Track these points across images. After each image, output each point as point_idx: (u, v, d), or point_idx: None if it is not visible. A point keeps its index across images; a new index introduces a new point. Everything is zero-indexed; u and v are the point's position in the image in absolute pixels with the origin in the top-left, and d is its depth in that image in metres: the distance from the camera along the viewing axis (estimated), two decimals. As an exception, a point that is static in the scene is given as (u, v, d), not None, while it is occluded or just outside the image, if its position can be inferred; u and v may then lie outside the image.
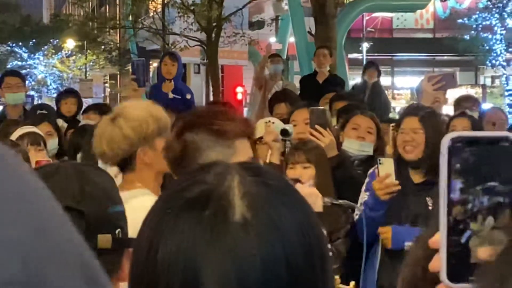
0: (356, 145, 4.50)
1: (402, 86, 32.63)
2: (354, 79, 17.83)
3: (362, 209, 3.86)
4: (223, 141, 2.34)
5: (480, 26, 23.47)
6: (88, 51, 30.45)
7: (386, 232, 3.81)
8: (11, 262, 0.46)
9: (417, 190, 3.85)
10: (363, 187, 3.99)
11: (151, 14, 20.89)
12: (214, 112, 2.50)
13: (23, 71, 29.99)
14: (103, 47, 27.59)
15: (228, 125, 2.39)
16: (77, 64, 32.21)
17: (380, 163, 3.80)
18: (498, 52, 23.17)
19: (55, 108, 7.18)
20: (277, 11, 24.13)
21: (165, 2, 18.61)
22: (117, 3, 26.10)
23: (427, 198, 3.86)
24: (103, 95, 33.45)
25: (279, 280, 0.90)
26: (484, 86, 28.77)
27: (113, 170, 3.55)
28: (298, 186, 2.84)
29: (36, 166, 3.51)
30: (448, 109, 7.05)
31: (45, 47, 31.49)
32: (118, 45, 27.41)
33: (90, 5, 31.28)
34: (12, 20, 31.82)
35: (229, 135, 2.36)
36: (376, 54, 27.12)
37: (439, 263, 0.86)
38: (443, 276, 0.86)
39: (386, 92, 10.44)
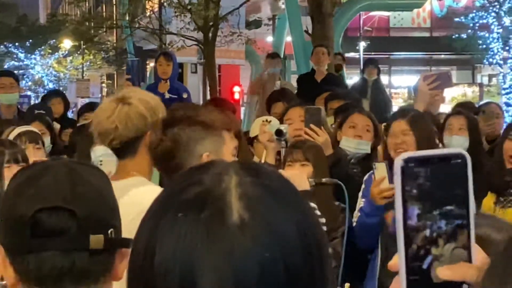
0: (354, 144, 4.50)
1: (399, 85, 32.65)
2: (351, 78, 17.83)
3: (358, 216, 3.87)
4: (211, 131, 2.38)
5: (477, 24, 23.47)
6: (85, 51, 30.42)
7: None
8: None
9: None
10: (360, 193, 3.99)
11: (148, 13, 20.86)
12: (195, 106, 2.56)
13: (20, 71, 30.02)
14: (100, 47, 27.57)
15: (214, 116, 2.43)
16: (74, 64, 32.18)
17: (375, 168, 3.81)
18: (495, 51, 23.17)
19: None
20: (274, 10, 24.13)
21: (162, 1, 18.58)
22: (114, 3, 26.06)
23: None
24: (100, 95, 33.41)
25: (277, 282, 0.90)
26: (481, 85, 28.79)
27: (110, 163, 3.61)
28: (282, 171, 2.90)
29: (31, 164, 3.51)
30: (445, 108, 7.05)
31: (42, 47, 31.45)
32: (115, 45, 27.39)
33: (87, 5, 31.22)
34: (8, 20, 31.79)
35: (217, 125, 2.41)
36: (373, 53, 27.11)
37: (399, 286, 0.85)
38: None
39: (384, 90, 10.41)
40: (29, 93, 28.46)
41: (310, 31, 13.89)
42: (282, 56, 16.43)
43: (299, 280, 0.91)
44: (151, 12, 20.15)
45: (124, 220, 1.60)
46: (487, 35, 23.27)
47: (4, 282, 1.61)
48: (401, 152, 3.91)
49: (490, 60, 23.50)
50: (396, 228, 0.85)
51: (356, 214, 3.90)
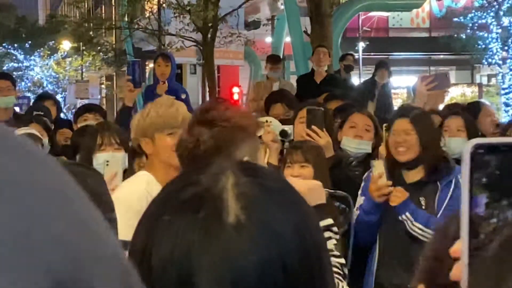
0: (354, 143, 4.50)
1: (398, 85, 32.59)
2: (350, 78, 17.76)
3: (357, 213, 3.88)
4: (249, 135, 2.29)
5: (476, 24, 23.47)
6: (84, 52, 30.42)
7: (401, 194, 3.79)
8: (61, 260, 0.44)
9: (410, 190, 3.85)
10: (359, 191, 3.99)
11: (147, 14, 20.87)
12: (228, 106, 2.43)
13: (19, 73, 30.03)
14: (99, 48, 27.55)
15: (249, 119, 2.35)
16: (73, 65, 32.17)
17: (373, 166, 3.83)
18: (494, 51, 23.16)
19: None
20: (273, 11, 24.13)
21: (161, 2, 18.59)
22: (113, 4, 26.08)
23: (420, 198, 3.88)
24: (99, 96, 33.42)
25: (275, 282, 0.89)
26: (480, 85, 28.79)
27: (116, 163, 3.72)
28: (299, 180, 2.80)
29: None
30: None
31: (41, 48, 31.44)
32: (114, 46, 27.38)
33: (86, 6, 31.22)
34: (7, 21, 31.77)
35: (252, 129, 2.32)
36: (372, 53, 27.12)
37: (459, 273, 0.84)
38: None
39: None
40: (28, 94, 28.49)
41: (309, 32, 13.89)
42: (281, 56, 16.43)
43: (297, 281, 0.91)
44: (150, 13, 20.15)
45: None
46: (486, 35, 23.27)
47: None
48: (401, 152, 3.95)
49: (489, 60, 23.50)
50: (461, 215, 0.84)
51: (355, 212, 3.91)
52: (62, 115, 8.91)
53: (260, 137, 4.23)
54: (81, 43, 28.39)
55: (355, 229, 3.81)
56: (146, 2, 20.12)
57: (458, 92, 26.26)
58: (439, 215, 3.79)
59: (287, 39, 18.95)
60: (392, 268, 3.83)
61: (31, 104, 11.57)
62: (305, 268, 0.91)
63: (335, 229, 2.67)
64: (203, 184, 0.94)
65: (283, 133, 4.21)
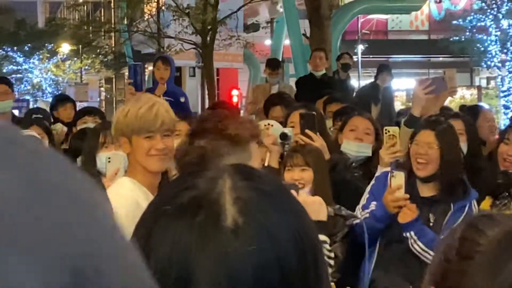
0: (354, 147, 4.50)
1: (397, 87, 32.63)
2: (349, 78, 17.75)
3: (364, 215, 3.85)
4: (239, 146, 2.35)
5: (475, 27, 23.48)
6: (83, 55, 30.41)
7: (412, 211, 3.76)
8: (80, 252, 0.46)
9: (422, 203, 3.82)
10: (368, 188, 3.97)
11: (146, 17, 20.88)
12: (225, 116, 2.50)
13: (18, 76, 30.01)
14: (98, 51, 27.56)
15: (243, 129, 2.39)
16: (73, 68, 32.16)
17: (392, 176, 3.79)
18: (493, 53, 23.17)
19: (51, 114, 7.18)
20: (272, 14, 24.15)
21: (160, 5, 18.60)
22: (112, 7, 26.08)
23: (430, 214, 3.83)
24: (98, 99, 33.42)
25: (272, 285, 0.90)
26: (479, 88, 28.83)
27: (117, 159, 3.72)
28: (302, 195, 2.81)
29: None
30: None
31: (40, 51, 31.43)
32: (113, 49, 27.39)
33: (85, 9, 31.24)
34: (6, 24, 31.74)
35: (244, 139, 2.37)
36: (371, 56, 27.14)
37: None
38: None
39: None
40: (27, 97, 28.48)
41: (308, 35, 13.90)
42: (280, 59, 16.44)
43: (294, 283, 0.91)
44: (149, 16, 20.16)
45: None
46: (485, 37, 23.28)
47: None
48: (422, 163, 3.92)
49: (488, 62, 23.50)
50: None
51: (360, 211, 3.89)
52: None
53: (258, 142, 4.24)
54: (80, 46, 28.39)
55: (359, 230, 3.80)
56: (145, 5, 20.13)
57: (457, 94, 26.26)
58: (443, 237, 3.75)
59: (286, 41, 18.95)
60: (389, 273, 3.82)
61: (30, 107, 11.57)
62: (301, 270, 0.92)
63: (327, 246, 2.74)
64: (200, 188, 0.95)
65: (284, 136, 4.21)
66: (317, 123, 4.32)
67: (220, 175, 0.96)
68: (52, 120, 7.01)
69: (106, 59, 28.10)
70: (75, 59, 31.64)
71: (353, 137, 4.51)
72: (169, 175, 3.47)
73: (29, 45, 31.25)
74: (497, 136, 5.56)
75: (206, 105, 17.21)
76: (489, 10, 22.99)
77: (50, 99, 31.44)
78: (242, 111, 15.85)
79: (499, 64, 23.41)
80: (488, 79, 30.34)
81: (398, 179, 3.77)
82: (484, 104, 18.84)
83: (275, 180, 1.01)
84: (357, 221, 3.80)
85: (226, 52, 17.92)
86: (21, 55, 31.51)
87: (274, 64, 9.18)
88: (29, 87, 32.12)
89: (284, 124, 4.56)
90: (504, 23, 22.74)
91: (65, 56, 31.75)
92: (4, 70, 30.18)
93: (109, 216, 0.50)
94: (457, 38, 24.12)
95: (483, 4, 23.19)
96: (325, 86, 8.21)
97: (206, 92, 16.18)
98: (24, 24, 32.67)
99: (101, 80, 35.73)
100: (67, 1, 20.79)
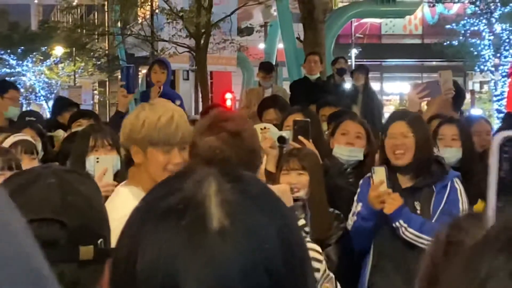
0: (346, 151, 4.51)
1: (391, 91, 32.74)
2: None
3: (354, 220, 3.87)
4: (254, 154, 2.50)
5: (468, 31, 23.53)
6: (77, 58, 30.38)
7: (396, 201, 3.78)
8: None
9: (405, 194, 3.85)
10: (355, 197, 3.99)
11: (140, 20, 20.86)
12: (240, 118, 2.59)
13: (12, 78, 29.95)
14: (91, 54, 27.53)
15: (256, 136, 2.55)
16: (66, 71, 32.13)
17: (373, 172, 3.81)
18: (487, 58, 23.23)
19: (53, 118, 7.17)
20: (266, 17, 24.17)
21: (154, 8, 18.58)
22: (106, 10, 26.05)
23: (415, 203, 3.88)
24: (92, 102, 33.37)
25: (260, 286, 0.90)
26: (472, 92, 28.86)
27: (106, 160, 3.67)
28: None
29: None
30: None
31: (34, 54, 31.38)
32: (106, 52, 27.36)
33: (79, 12, 31.19)
34: (0, 26, 31.72)
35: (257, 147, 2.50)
36: (365, 60, 27.16)
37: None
38: None
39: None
40: (20, 100, 28.42)
41: (302, 38, 13.91)
42: (274, 63, 16.45)
43: (282, 283, 0.92)
44: (143, 19, 20.15)
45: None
46: (478, 42, 23.33)
47: None
48: (400, 154, 3.95)
49: (482, 67, 23.56)
50: (488, 204, 0.85)
51: (352, 218, 3.90)
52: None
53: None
54: (73, 49, 28.36)
55: (352, 234, 3.81)
56: (139, 8, 20.11)
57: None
58: (434, 219, 3.79)
59: (280, 45, 18.98)
60: (387, 273, 3.83)
61: (23, 109, 11.56)
62: (288, 271, 0.92)
63: (307, 229, 2.78)
64: (186, 191, 0.95)
65: (281, 139, 4.20)
66: (314, 128, 4.32)
67: (206, 177, 0.97)
68: (51, 123, 7.00)
69: (99, 62, 28.07)
70: (69, 61, 31.62)
71: (344, 141, 4.52)
72: None
73: (22, 47, 31.21)
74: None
75: (200, 109, 17.20)
76: (482, 15, 23.05)
77: (43, 102, 31.46)
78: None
79: (493, 69, 23.47)
80: (481, 84, 30.41)
81: (380, 174, 3.81)
82: (478, 110, 18.88)
83: (260, 182, 1.02)
84: (349, 223, 3.81)
85: (220, 56, 17.91)
86: (14, 58, 31.47)
87: (267, 68, 9.16)
88: (22, 90, 32.05)
89: (279, 127, 4.56)
90: (498, 27, 22.80)
91: (58, 59, 31.72)
92: (-2, 73, 30.16)
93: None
94: (450, 42, 24.18)
95: (477, 8, 23.25)
96: (320, 90, 8.23)
97: (200, 95, 16.16)
98: (18, 26, 32.65)
99: (94, 83, 35.69)
100: (61, 4, 20.72)
